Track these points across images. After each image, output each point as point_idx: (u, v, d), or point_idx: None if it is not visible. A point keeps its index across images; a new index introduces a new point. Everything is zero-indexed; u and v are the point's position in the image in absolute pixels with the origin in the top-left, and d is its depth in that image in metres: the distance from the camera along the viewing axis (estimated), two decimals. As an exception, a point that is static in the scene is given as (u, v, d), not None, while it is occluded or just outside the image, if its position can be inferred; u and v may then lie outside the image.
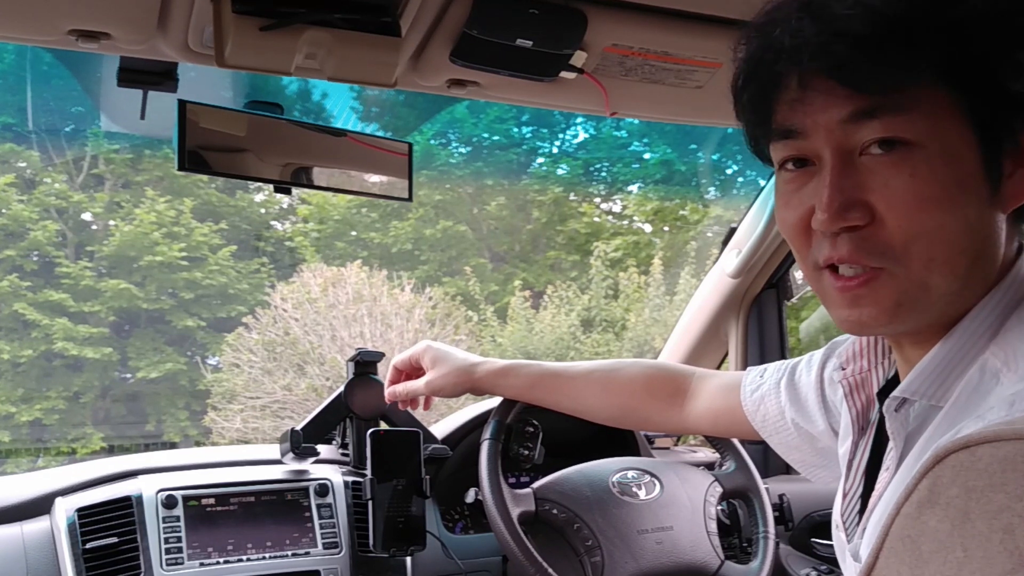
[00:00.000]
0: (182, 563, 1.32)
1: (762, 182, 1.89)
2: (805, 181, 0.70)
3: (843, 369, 0.83)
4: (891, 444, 0.73)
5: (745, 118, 0.73)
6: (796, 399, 1.04)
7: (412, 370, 1.40)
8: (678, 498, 1.41)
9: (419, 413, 1.51)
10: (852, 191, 0.66)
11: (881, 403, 0.77)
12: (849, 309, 0.69)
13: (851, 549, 0.78)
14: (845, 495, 0.83)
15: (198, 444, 10.34)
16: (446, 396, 1.36)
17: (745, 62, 0.71)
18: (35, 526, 1.35)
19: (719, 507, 1.44)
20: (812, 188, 0.69)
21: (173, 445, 10.98)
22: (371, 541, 1.38)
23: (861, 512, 0.79)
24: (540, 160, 13.33)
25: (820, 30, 0.64)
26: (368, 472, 1.38)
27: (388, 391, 1.39)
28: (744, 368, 2.02)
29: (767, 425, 1.10)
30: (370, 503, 1.38)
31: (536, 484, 1.37)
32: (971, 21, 0.62)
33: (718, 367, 2.10)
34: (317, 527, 1.42)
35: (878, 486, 0.75)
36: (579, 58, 1.13)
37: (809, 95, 0.66)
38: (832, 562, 1.62)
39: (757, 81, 0.69)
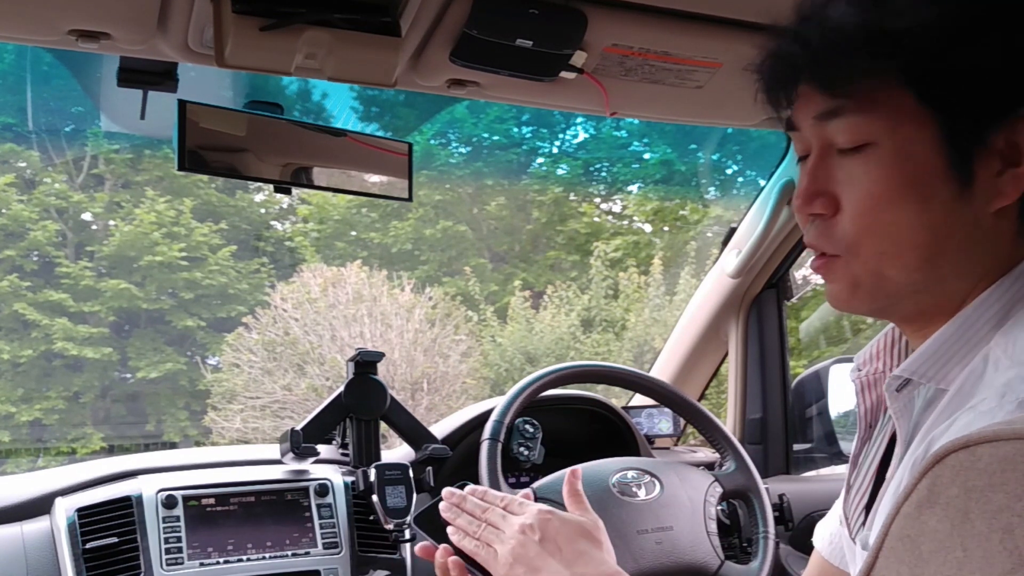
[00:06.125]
0: (182, 563, 1.32)
1: (762, 182, 1.89)
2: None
3: (859, 370, 0.84)
4: (896, 428, 0.74)
5: (771, 111, 0.80)
6: None
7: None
8: (678, 498, 1.41)
9: (419, 414, 1.51)
10: (823, 182, 0.72)
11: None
12: (826, 284, 0.76)
13: (860, 539, 0.79)
14: (851, 490, 0.83)
15: (198, 444, 10.34)
16: None
17: (761, 64, 0.77)
18: (35, 526, 1.35)
19: (719, 507, 1.44)
20: None
21: (173, 445, 10.98)
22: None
23: (867, 508, 0.80)
24: (540, 160, 13.35)
25: (807, 39, 0.71)
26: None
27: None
28: (744, 368, 2.04)
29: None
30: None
31: (536, 484, 1.37)
32: (923, 30, 0.66)
33: (718, 367, 2.11)
34: (317, 527, 1.42)
35: (888, 473, 0.76)
36: (579, 58, 1.13)
37: (800, 94, 0.73)
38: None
39: (767, 79, 0.76)
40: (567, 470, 0.98)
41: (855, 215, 0.70)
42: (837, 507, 0.97)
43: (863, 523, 0.80)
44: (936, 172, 0.68)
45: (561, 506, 1.33)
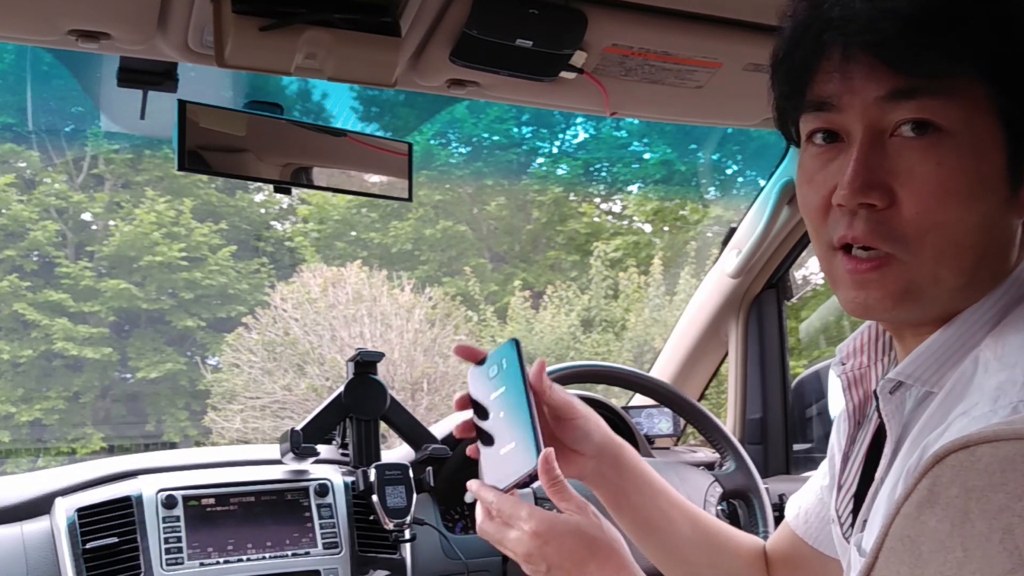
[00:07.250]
0: (182, 563, 1.32)
1: (762, 182, 1.89)
2: (832, 157, 0.69)
3: (843, 364, 0.83)
4: (887, 429, 0.74)
5: (779, 88, 0.73)
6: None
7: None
8: (678, 498, 1.41)
9: (419, 413, 1.51)
10: (877, 171, 0.66)
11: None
12: (856, 291, 0.69)
13: (855, 542, 0.79)
14: (840, 488, 0.83)
15: (198, 444, 10.34)
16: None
17: (791, 30, 0.70)
18: (35, 526, 1.35)
19: (719, 507, 1.44)
20: (838, 165, 0.68)
21: (173, 445, 10.99)
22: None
23: (855, 506, 0.80)
24: (540, 160, 13.35)
25: (871, 5, 0.64)
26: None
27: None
28: (744, 368, 2.04)
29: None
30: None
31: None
32: (1009, 23, 0.63)
33: (718, 367, 2.11)
34: (317, 527, 1.42)
35: (877, 474, 0.75)
36: (579, 58, 1.13)
37: (850, 69, 0.66)
38: (832, 562, 1.62)
39: (801, 49, 0.69)
40: (543, 453, 0.85)
41: (919, 209, 0.65)
42: (812, 483, 0.97)
43: (852, 515, 0.80)
44: (997, 172, 0.65)
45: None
